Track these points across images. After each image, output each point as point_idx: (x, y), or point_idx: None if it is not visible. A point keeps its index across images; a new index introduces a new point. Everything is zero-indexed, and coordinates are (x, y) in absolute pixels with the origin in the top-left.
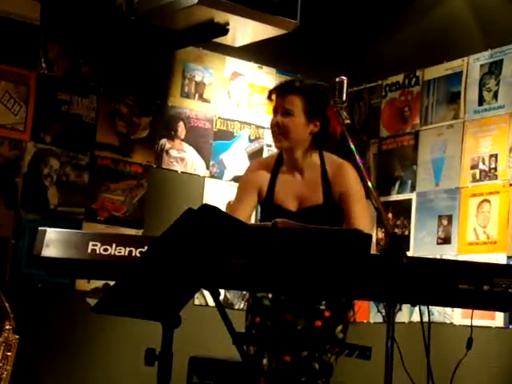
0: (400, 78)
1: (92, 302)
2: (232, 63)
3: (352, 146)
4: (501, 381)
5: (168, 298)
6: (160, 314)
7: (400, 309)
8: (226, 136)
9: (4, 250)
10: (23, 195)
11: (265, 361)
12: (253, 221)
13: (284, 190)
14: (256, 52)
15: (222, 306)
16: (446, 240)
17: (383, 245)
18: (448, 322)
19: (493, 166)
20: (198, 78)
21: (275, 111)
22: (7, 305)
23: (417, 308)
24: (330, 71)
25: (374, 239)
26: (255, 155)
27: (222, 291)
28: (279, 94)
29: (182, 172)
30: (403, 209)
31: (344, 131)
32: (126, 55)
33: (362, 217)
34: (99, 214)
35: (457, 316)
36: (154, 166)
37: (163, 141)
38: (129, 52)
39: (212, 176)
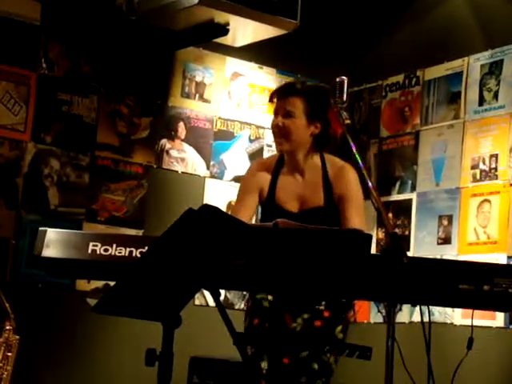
0: (400, 78)
1: (92, 302)
2: (232, 63)
3: (354, 151)
4: (501, 381)
5: (168, 298)
6: (160, 314)
7: (400, 309)
8: (226, 136)
9: (4, 250)
10: (24, 195)
11: (264, 364)
12: (253, 221)
13: (285, 191)
14: (256, 52)
15: (223, 307)
16: (446, 240)
17: (383, 245)
18: (448, 322)
19: (493, 166)
20: (198, 79)
21: (276, 113)
22: (7, 305)
23: (417, 308)
24: (331, 71)
25: (374, 239)
26: (255, 155)
27: (222, 291)
28: (280, 95)
29: (182, 172)
30: (403, 209)
31: (344, 131)
32: (127, 55)
33: (356, 218)
34: (99, 214)
35: (457, 316)
36: (155, 166)
37: (163, 141)
38: (129, 52)
39: (212, 176)
